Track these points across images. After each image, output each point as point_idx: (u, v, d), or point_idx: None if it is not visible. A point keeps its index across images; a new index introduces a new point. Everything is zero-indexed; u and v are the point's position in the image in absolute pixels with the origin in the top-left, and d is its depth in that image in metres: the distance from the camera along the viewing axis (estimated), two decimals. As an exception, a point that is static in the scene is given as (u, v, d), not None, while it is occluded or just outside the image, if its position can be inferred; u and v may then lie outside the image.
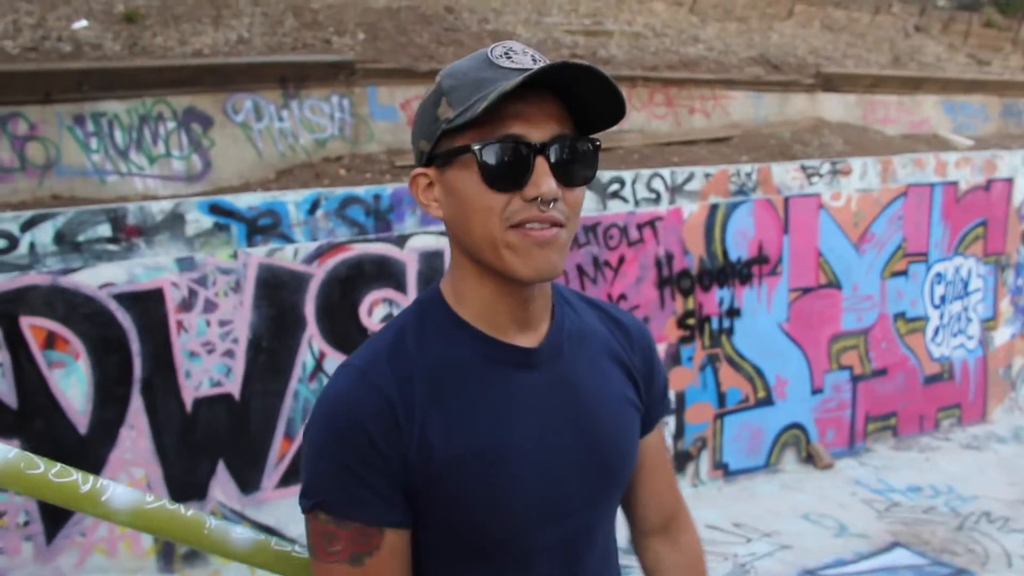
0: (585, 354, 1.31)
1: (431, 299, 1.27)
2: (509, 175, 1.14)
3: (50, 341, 4.34)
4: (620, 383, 1.34)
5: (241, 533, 1.31)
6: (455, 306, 1.25)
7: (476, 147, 1.14)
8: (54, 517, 4.41)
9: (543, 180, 1.14)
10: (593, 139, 1.21)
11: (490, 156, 1.14)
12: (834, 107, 8.33)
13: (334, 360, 4.89)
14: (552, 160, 1.15)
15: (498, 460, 1.19)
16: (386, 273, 4.98)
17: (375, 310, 4.96)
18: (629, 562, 1.53)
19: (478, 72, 1.16)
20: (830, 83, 8.30)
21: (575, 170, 1.19)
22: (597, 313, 1.39)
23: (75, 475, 1.21)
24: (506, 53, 1.17)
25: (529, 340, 1.26)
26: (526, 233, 1.15)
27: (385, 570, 1.18)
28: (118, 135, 5.40)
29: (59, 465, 1.21)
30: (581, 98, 1.17)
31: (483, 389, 1.21)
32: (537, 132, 1.15)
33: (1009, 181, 7.27)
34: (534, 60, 1.17)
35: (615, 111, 1.19)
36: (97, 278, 4.42)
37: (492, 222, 1.15)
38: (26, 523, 4.38)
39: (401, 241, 5.02)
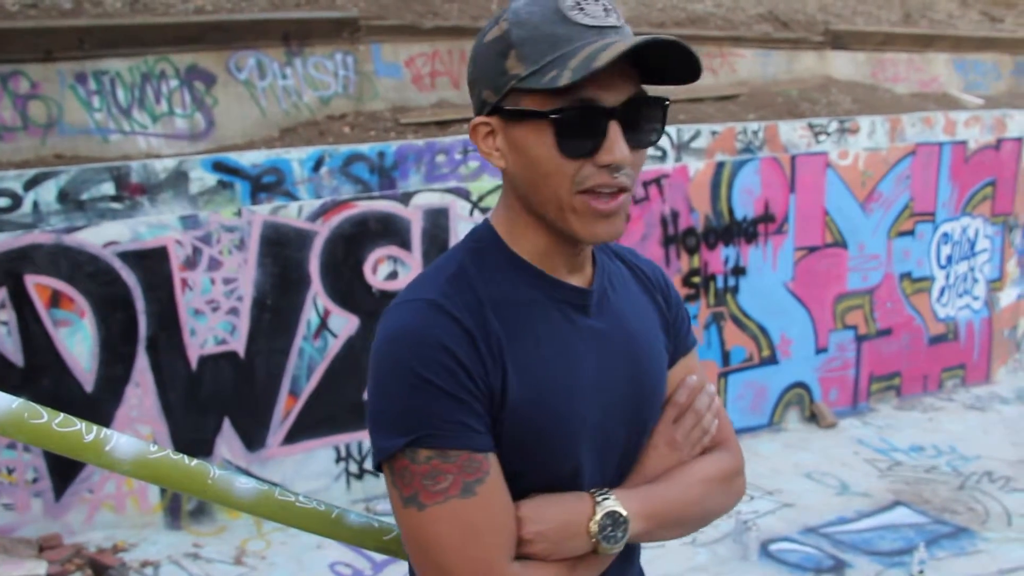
0: (625, 294, 1.33)
1: (486, 236, 1.25)
2: (584, 143, 1.12)
3: (55, 299, 4.35)
4: (654, 321, 1.36)
5: (245, 483, 1.31)
6: (512, 245, 1.23)
7: (553, 116, 1.10)
8: (62, 473, 4.45)
9: (616, 146, 1.12)
10: (662, 99, 1.18)
11: (566, 124, 1.11)
12: (843, 65, 8.23)
13: (338, 318, 4.89)
14: (624, 125, 1.13)
15: (566, 399, 1.19)
16: (391, 230, 4.97)
17: (379, 267, 4.96)
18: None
19: (551, 26, 1.11)
20: (839, 41, 8.18)
21: (645, 132, 1.17)
22: (618, 256, 1.39)
23: (79, 425, 1.21)
24: (578, 3, 1.12)
25: (579, 281, 1.26)
26: (592, 203, 1.14)
27: (497, 495, 1.14)
28: (120, 93, 5.36)
29: (63, 415, 1.21)
30: (653, 59, 1.13)
31: (548, 327, 1.21)
32: (611, 96, 1.12)
33: (1019, 140, 7.20)
34: (606, 11, 1.13)
35: (689, 74, 1.16)
36: (101, 236, 4.41)
37: (562, 186, 1.13)
38: (35, 480, 4.43)
39: (406, 198, 5.00)
